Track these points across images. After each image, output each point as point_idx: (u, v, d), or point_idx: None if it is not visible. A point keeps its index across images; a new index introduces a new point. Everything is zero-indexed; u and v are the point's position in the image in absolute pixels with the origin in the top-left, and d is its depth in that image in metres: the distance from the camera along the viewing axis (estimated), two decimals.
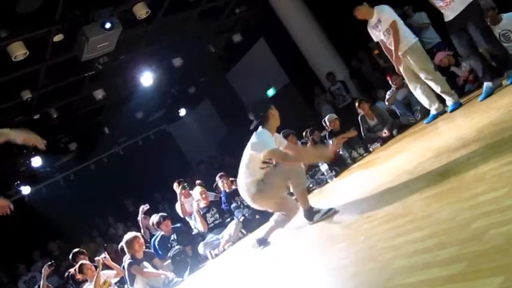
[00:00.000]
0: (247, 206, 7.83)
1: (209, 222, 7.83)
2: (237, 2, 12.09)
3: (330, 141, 8.65)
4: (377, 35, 6.50)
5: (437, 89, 6.26)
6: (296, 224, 4.68)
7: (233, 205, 7.88)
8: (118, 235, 11.79)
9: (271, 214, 7.71)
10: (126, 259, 6.79)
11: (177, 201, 8.50)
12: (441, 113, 6.42)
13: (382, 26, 6.33)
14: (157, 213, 8.32)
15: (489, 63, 5.68)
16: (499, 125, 3.64)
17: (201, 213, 7.86)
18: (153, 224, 8.09)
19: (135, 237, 6.72)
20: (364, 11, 6.38)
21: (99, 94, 11.80)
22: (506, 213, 1.83)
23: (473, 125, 4.32)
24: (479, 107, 5.15)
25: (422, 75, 6.29)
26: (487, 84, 5.50)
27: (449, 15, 5.60)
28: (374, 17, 6.37)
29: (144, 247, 6.88)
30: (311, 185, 7.90)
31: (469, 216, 2.06)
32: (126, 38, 9.46)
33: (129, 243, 6.66)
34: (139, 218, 8.90)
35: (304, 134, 9.19)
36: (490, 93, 5.43)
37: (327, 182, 7.64)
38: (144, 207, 8.85)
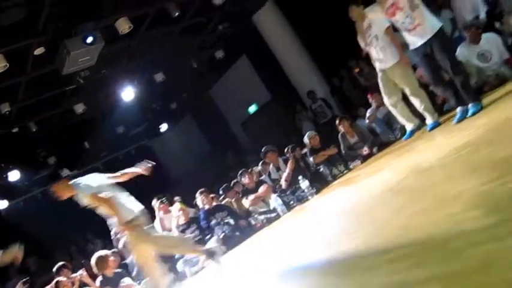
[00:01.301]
0: (228, 223, 7.81)
1: None
2: (220, 18, 12.14)
3: (311, 158, 8.69)
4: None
5: (421, 107, 6.29)
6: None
7: (213, 222, 7.84)
8: (97, 251, 11.62)
9: (252, 231, 7.72)
10: (98, 279, 6.72)
11: (155, 217, 8.43)
12: (418, 128, 6.49)
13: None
14: None
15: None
16: (477, 145, 3.68)
17: (180, 229, 7.80)
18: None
19: (105, 256, 6.65)
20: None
21: (79, 108, 11.71)
22: (484, 232, 1.84)
23: (451, 144, 4.36)
24: (458, 126, 5.21)
25: (407, 91, 6.31)
26: (459, 109, 5.44)
27: (415, 41, 5.48)
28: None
29: (116, 266, 6.80)
30: (292, 202, 7.91)
31: (446, 235, 2.06)
32: (108, 52, 9.42)
33: (99, 262, 6.58)
34: (112, 238, 8.80)
35: (285, 150, 9.20)
36: (463, 117, 5.32)
37: (308, 199, 7.65)
38: (117, 231, 8.73)
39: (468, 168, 3.02)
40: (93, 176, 5.71)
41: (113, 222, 5.57)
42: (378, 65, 6.59)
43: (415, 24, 5.40)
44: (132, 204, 5.46)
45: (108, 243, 11.52)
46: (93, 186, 5.41)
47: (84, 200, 5.39)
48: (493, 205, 2.10)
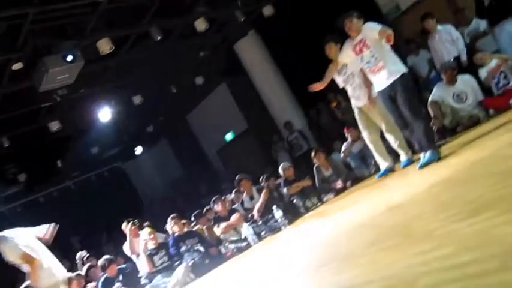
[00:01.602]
0: (198, 250, 7.73)
1: (157, 265, 7.63)
2: (202, 45, 12.21)
3: (285, 189, 8.69)
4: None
5: (395, 143, 6.35)
6: None
7: (183, 248, 7.74)
8: None
9: (222, 259, 7.64)
10: None
11: (124, 241, 8.30)
12: (391, 169, 6.54)
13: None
14: (102, 253, 8.11)
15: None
16: (448, 184, 3.72)
17: (149, 253, 7.67)
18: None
19: (68, 278, 6.51)
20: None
21: (54, 126, 11.56)
22: (454, 271, 1.85)
23: (424, 182, 4.41)
24: (431, 165, 5.26)
25: (382, 127, 6.37)
26: (422, 154, 5.36)
27: (379, 83, 5.45)
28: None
29: None
30: (263, 232, 7.88)
31: (416, 272, 2.06)
32: (87, 71, 9.36)
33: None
34: (77, 262, 8.64)
35: (260, 180, 9.19)
36: (431, 161, 5.21)
37: (280, 229, 7.63)
38: (82, 254, 8.60)
39: (439, 207, 3.04)
40: (22, 231, 5.54)
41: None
42: (353, 102, 6.67)
43: (379, 66, 5.38)
44: (55, 269, 5.33)
45: (75, 265, 11.30)
46: (23, 245, 5.26)
47: (10, 257, 5.22)
48: (463, 244, 2.12)
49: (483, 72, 7.07)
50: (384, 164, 6.54)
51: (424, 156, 5.23)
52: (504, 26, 7.25)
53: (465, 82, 7.01)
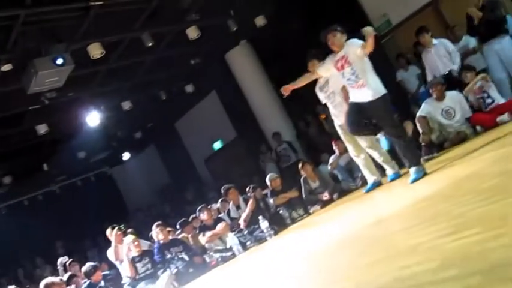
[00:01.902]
0: (182, 259, 7.69)
1: (140, 272, 7.55)
2: (193, 53, 12.22)
3: (271, 200, 8.70)
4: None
5: (380, 159, 6.37)
6: None
7: (167, 256, 7.70)
8: (44, 277, 11.24)
9: (206, 268, 7.62)
10: None
11: (109, 246, 8.23)
12: (378, 183, 6.54)
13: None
14: (86, 258, 8.03)
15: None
16: (434, 199, 3.74)
17: (132, 259, 7.60)
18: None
19: (51, 283, 6.42)
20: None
21: (42, 129, 11.49)
22: (439, 286, 1.85)
23: (410, 196, 4.42)
24: (418, 179, 5.28)
25: (363, 144, 6.31)
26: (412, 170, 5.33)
27: (358, 97, 5.44)
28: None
29: None
30: (248, 242, 7.87)
31: (406, 286, 2.07)
32: (77, 75, 9.34)
33: None
34: (59, 268, 8.53)
35: (247, 189, 9.19)
36: (418, 178, 5.17)
37: (266, 240, 7.62)
38: (63, 260, 8.50)
39: (424, 222, 3.05)
40: None
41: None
42: (335, 120, 6.69)
43: (359, 84, 5.37)
44: None
45: (58, 269, 11.19)
46: None
47: None
48: (448, 260, 2.12)
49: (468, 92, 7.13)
50: (371, 178, 6.54)
51: (411, 173, 5.25)
52: (492, 45, 7.32)
53: (453, 98, 7.07)
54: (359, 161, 6.59)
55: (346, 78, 5.50)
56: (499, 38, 7.25)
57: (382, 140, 7.06)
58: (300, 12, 10.67)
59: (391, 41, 10.17)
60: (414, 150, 5.66)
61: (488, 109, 6.87)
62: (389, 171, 6.34)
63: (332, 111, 6.69)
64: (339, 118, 6.51)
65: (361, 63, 5.37)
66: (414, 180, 5.10)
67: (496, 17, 7.19)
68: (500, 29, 7.25)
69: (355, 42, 5.44)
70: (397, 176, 6.24)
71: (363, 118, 5.48)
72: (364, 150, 6.42)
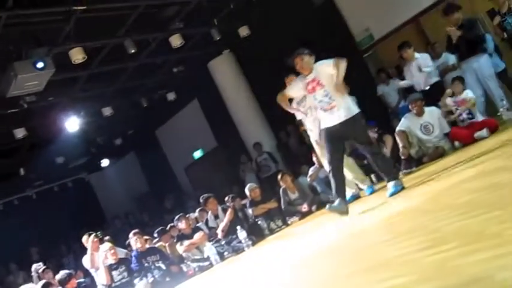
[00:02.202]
0: (159, 267, 7.62)
1: (116, 280, 7.46)
2: (176, 61, 12.21)
3: (250, 210, 8.69)
4: None
5: (351, 176, 6.41)
6: None
7: (145, 265, 7.62)
8: (17, 283, 11.06)
9: (183, 277, 7.56)
10: None
11: (85, 253, 8.12)
12: (356, 196, 6.58)
13: None
14: (62, 265, 7.90)
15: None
16: (411, 212, 3.77)
17: (108, 265, 7.51)
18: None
19: None
20: None
21: (20, 133, 11.32)
22: None
23: (387, 210, 4.45)
24: (396, 193, 5.32)
25: None
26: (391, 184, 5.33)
27: (327, 121, 5.31)
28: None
29: None
30: (226, 252, 7.83)
31: None
32: (57, 80, 9.26)
33: None
34: (33, 274, 8.39)
35: (226, 199, 9.16)
36: (396, 192, 5.20)
37: (244, 250, 7.59)
38: (37, 267, 8.36)
39: (401, 235, 3.07)
40: None
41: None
42: (311, 135, 6.69)
43: (331, 105, 5.24)
44: None
45: (31, 275, 11.02)
46: None
47: None
48: (424, 274, 2.13)
49: (450, 101, 7.21)
50: (349, 191, 6.54)
51: (389, 187, 5.29)
52: (470, 63, 7.42)
53: (432, 114, 7.15)
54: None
55: (318, 100, 5.33)
56: (477, 57, 7.36)
57: None
58: (284, 24, 10.73)
59: (373, 56, 10.28)
60: (391, 165, 5.71)
61: (466, 124, 6.95)
62: (363, 186, 6.41)
63: (308, 125, 6.67)
64: (314, 132, 6.51)
65: (334, 84, 5.25)
66: (392, 194, 5.14)
67: (474, 36, 7.30)
68: (478, 48, 7.36)
69: (326, 62, 5.34)
70: (372, 190, 6.32)
71: (340, 143, 5.35)
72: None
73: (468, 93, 7.04)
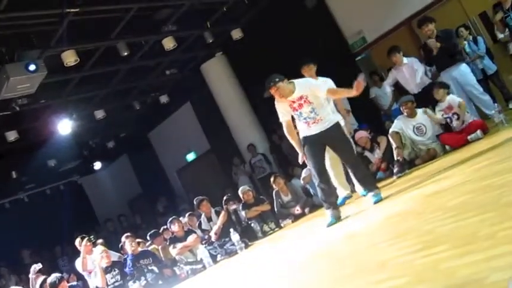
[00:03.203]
0: (151, 270, 7.59)
1: (109, 283, 7.45)
2: (168, 64, 12.19)
3: (243, 213, 8.68)
4: None
5: (335, 179, 6.39)
6: None
7: (137, 268, 7.60)
8: (9, 287, 11.00)
9: (176, 280, 7.54)
10: None
11: (77, 256, 8.09)
12: (349, 197, 6.59)
13: None
14: (56, 268, 7.86)
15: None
16: (404, 214, 3.78)
17: (104, 268, 7.48)
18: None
19: None
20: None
21: (11, 136, 11.25)
22: None
23: (380, 212, 4.46)
24: (387, 197, 5.33)
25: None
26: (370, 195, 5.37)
27: (311, 131, 5.31)
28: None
29: None
30: (219, 255, 7.82)
31: None
32: (50, 82, 9.22)
33: None
34: (30, 276, 8.33)
35: (219, 202, 9.14)
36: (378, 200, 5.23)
37: (236, 253, 7.58)
38: (36, 267, 8.31)
39: (394, 238, 3.08)
40: None
41: None
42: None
43: (317, 119, 5.25)
44: None
45: (24, 279, 10.95)
46: None
47: None
48: (417, 276, 2.14)
49: (437, 111, 7.25)
50: (342, 192, 6.56)
51: (369, 197, 5.33)
52: (449, 73, 7.42)
53: (424, 116, 7.18)
54: (331, 174, 6.53)
55: (303, 116, 5.28)
56: (456, 65, 7.41)
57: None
58: (276, 26, 10.75)
59: (366, 58, 10.29)
60: (370, 176, 5.68)
61: (459, 129, 6.97)
62: (342, 193, 6.47)
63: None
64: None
65: (320, 99, 5.29)
66: (375, 202, 5.17)
67: (451, 46, 7.37)
68: (456, 58, 7.43)
69: (317, 88, 5.31)
70: (344, 200, 6.41)
71: (321, 148, 5.37)
72: (335, 164, 6.40)
73: (454, 99, 7.06)
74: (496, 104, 7.17)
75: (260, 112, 12.08)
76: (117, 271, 7.54)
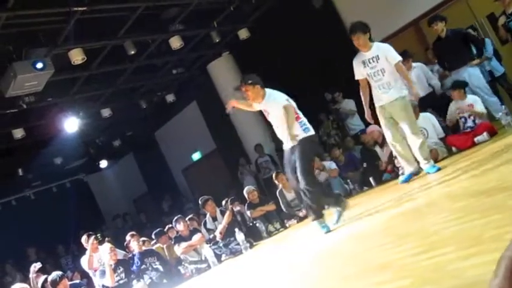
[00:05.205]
0: (156, 269, 7.61)
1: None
2: (175, 63, 12.21)
3: (248, 213, 8.68)
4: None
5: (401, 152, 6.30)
6: None
7: (142, 267, 7.62)
8: (14, 284, 11.02)
9: (180, 279, 7.55)
10: None
11: (83, 254, 8.11)
12: (416, 173, 6.20)
13: None
14: (60, 266, 7.87)
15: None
16: (409, 216, 3.77)
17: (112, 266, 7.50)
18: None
19: None
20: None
21: (18, 133, 11.31)
22: None
23: (385, 213, 4.45)
24: (392, 197, 5.32)
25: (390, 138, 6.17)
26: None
27: (285, 144, 5.37)
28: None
29: None
30: (224, 254, 7.83)
31: None
32: (57, 80, 9.24)
33: None
34: (30, 276, 8.35)
35: (224, 202, 9.16)
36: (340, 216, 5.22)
37: (242, 253, 7.59)
38: (36, 266, 8.32)
39: (398, 239, 3.07)
40: None
41: None
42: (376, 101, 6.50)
43: (284, 135, 5.27)
44: None
45: (28, 276, 10.97)
46: None
47: None
48: (421, 278, 2.14)
49: (452, 106, 7.22)
50: (408, 169, 6.19)
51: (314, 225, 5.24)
52: (461, 74, 7.41)
53: (426, 119, 7.15)
54: (395, 150, 6.25)
55: (273, 124, 5.46)
56: (466, 67, 7.38)
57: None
58: (283, 26, 10.74)
59: None
60: (319, 203, 5.24)
61: (467, 130, 6.94)
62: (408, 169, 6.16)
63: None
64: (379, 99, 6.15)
65: (278, 118, 5.29)
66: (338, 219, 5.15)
67: (461, 46, 7.38)
68: (466, 57, 7.41)
69: (276, 103, 5.31)
70: (409, 177, 6.09)
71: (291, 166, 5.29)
72: (401, 140, 6.10)
73: (476, 100, 7.04)
74: (503, 106, 7.13)
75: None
76: (122, 269, 7.55)
